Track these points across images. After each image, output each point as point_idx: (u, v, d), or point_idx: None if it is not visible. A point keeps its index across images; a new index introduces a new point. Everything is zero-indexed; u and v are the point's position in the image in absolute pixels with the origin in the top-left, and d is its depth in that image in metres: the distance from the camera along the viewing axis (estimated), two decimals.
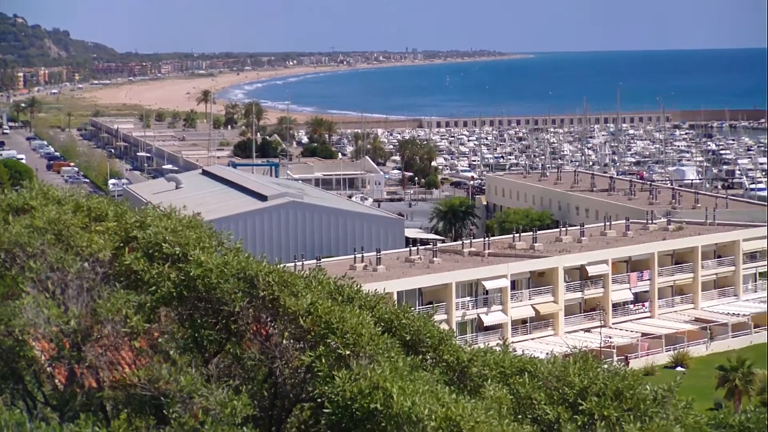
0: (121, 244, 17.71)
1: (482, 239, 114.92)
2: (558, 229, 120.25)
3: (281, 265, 17.29)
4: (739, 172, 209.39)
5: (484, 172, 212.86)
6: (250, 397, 15.20)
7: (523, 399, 17.22)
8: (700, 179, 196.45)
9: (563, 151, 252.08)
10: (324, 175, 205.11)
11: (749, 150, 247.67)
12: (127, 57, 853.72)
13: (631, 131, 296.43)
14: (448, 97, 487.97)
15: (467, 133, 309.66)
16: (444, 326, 20.02)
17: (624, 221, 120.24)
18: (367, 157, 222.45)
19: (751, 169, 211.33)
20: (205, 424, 14.33)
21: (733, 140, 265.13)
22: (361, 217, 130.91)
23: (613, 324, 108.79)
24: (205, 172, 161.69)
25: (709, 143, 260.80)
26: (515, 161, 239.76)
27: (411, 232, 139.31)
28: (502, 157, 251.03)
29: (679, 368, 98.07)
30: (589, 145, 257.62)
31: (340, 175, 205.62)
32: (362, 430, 14.79)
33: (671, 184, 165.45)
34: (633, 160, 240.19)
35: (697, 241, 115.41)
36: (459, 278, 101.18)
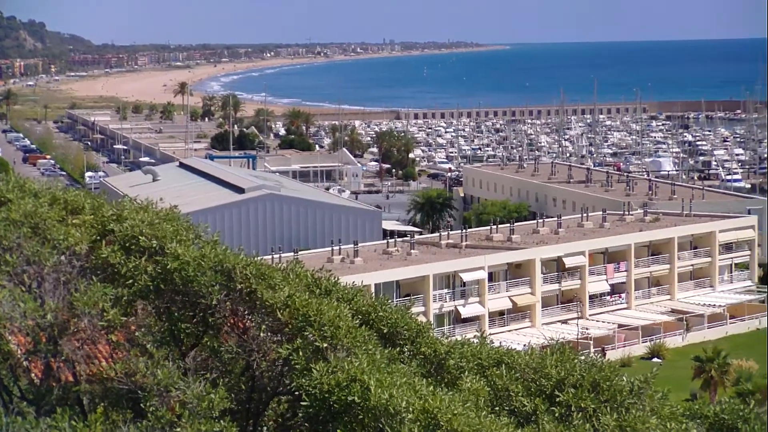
0: (98, 237, 17.65)
1: (460, 231, 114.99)
2: (535, 221, 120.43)
3: (258, 258, 17.28)
4: (715, 163, 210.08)
5: (462, 164, 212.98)
6: (227, 390, 15.19)
7: (500, 391, 17.27)
8: (676, 170, 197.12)
9: (540, 143, 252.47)
10: (301, 167, 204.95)
11: (725, 141, 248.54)
12: (103, 49, 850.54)
13: (608, 122, 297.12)
14: (426, 88, 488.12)
15: (445, 124, 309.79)
16: (421, 318, 20.00)
17: (601, 213, 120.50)
18: (344, 149, 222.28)
19: (727, 160, 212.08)
20: (182, 417, 14.30)
21: (710, 131, 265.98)
22: (339, 209, 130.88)
23: (590, 315, 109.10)
24: (182, 165, 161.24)
25: (685, 134, 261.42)
26: (492, 153, 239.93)
27: (388, 224, 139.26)
28: (480, 148, 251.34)
29: (655, 359, 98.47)
30: (566, 137, 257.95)
31: (317, 167, 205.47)
32: (340, 422, 14.80)
33: (648, 176, 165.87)
34: (610, 151, 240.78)
35: (674, 233, 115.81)
36: (436, 270, 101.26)
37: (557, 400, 16.77)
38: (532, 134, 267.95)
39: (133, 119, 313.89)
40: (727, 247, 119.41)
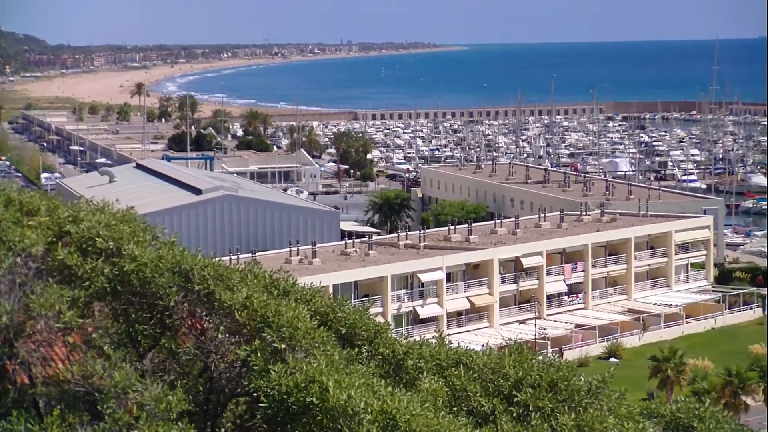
0: (54, 239, 17.53)
1: (418, 232, 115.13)
2: (493, 222, 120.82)
3: (216, 259, 17.23)
4: (671, 164, 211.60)
5: (420, 165, 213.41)
6: (185, 391, 15.12)
7: (458, 391, 17.29)
8: (633, 171, 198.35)
9: (498, 144, 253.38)
10: (259, 168, 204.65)
11: (681, 142, 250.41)
12: (59, 49, 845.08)
13: (566, 123, 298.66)
14: (384, 89, 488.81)
15: (402, 125, 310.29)
16: (380, 319, 20.01)
17: (558, 213, 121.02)
18: (302, 149, 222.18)
19: (683, 161, 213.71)
20: (140, 419, 14.23)
21: (666, 132, 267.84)
22: (297, 210, 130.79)
23: (547, 315, 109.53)
24: (139, 166, 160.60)
25: (641, 135, 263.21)
26: (450, 153, 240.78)
27: (346, 225, 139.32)
28: (438, 149, 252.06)
29: (612, 359, 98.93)
30: (524, 137, 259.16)
31: (275, 168, 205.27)
32: (298, 423, 14.78)
33: (605, 176, 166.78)
34: (567, 152, 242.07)
35: (631, 233, 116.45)
36: (394, 271, 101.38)
37: (515, 400, 16.82)
38: (489, 135, 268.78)
39: (90, 120, 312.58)
40: (683, 247, 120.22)
